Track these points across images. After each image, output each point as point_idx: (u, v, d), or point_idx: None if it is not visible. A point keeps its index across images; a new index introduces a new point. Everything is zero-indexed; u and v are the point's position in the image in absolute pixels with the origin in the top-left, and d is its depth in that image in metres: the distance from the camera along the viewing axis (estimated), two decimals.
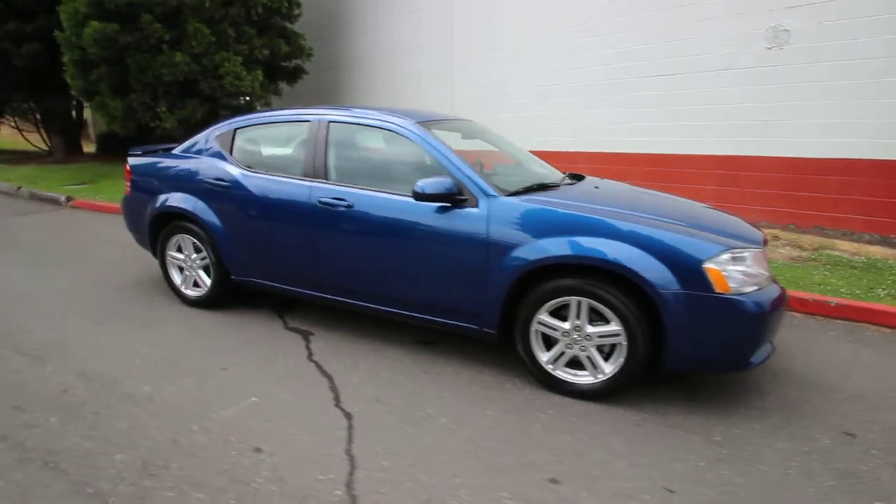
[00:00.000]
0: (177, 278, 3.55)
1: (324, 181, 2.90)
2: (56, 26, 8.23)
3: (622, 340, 2.27)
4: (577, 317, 2.34)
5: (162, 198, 3.43)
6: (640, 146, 6.37)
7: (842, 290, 3.73)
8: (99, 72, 7.86)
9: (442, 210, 2.55)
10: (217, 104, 8.23)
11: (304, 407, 2.34)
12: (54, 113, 11.03)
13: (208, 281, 3.40)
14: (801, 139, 5.27)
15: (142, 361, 2.74)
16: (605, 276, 2.28)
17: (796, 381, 2.64)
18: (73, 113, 11.91)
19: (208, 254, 3.32)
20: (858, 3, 4.80)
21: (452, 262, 2.55)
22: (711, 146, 5.86)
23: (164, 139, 7.73)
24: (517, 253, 2.38)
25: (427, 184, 2.46)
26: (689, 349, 2.23)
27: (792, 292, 3.42)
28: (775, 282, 2.42)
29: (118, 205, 6.61)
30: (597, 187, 2.98)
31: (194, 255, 3.42)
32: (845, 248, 4.78)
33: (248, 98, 8.32)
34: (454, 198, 2.50)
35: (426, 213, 2.58)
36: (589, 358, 2.38)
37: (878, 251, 4.69)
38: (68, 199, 7.28)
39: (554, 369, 2.45)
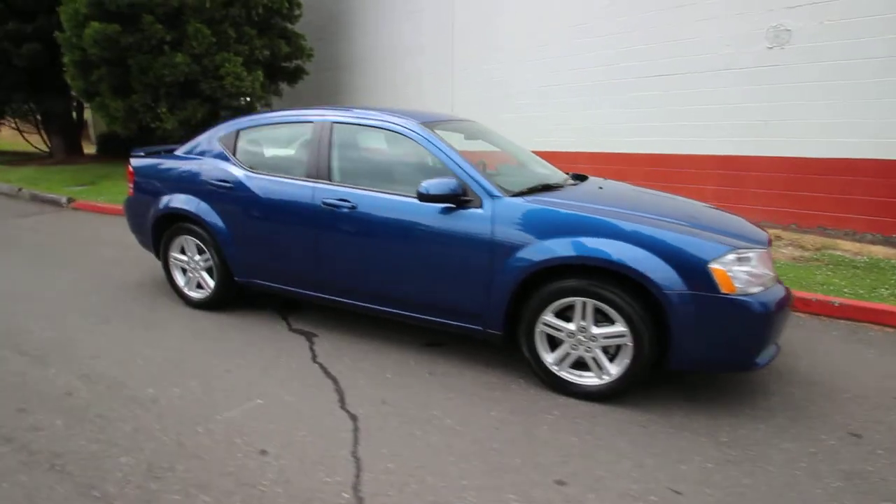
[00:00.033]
0: (180, 280, 3.54)
1: (327, 182, 2.90)
2: (56, 27, 8.22)
3: (627, 341, 2.27)
4: (583, 318, 2.34)
5: (165, 199, 3.42)
6: (640, 146, 6.38)
7: (845, 290, 3.73)
8: (99, 72, 7.85)
9: (446, 211, 2.55)
10: (217, 105, 8.23)
11: (309, 409, 2.33)
12: (55, 114, 11.03)
13: (211, 282, 3.40)
14: (803, 139, 5.28)
15: (145, 363, 2.74)
16: (611, 277, 2.28)
17: (801, 382, 2.64)
18: (74, 114, 11.91)
19: (211, 255, 3.32)
20: (860, 3, 4.81)
21: (457, 263, 2.55)
22: (712, 146, 5.86)
23: (164, 140, 7.73)
24: (522, 254, 2.38)
25: (431, 185, 2.46)
26: (695, 350, 2.23)
27: (795, 292, 3.41)
28: (780, 282, 2.42)
29: (119, 206, 6.59)
30: (600, 188, 2.98)
31: (197, 257, 3.42)
32: (847, 247, 4.78)
33: (248, 99, 8.32)
34: (459, 198, 2.49)
35: (430, 214, 2.58)
36: (594, 359, 2.38)
37: (880, 251, 4.69)
38: (69, 200, 7.27)
39: (559, 370, 2.45)
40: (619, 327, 2.27)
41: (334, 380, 2.59)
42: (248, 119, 3.37)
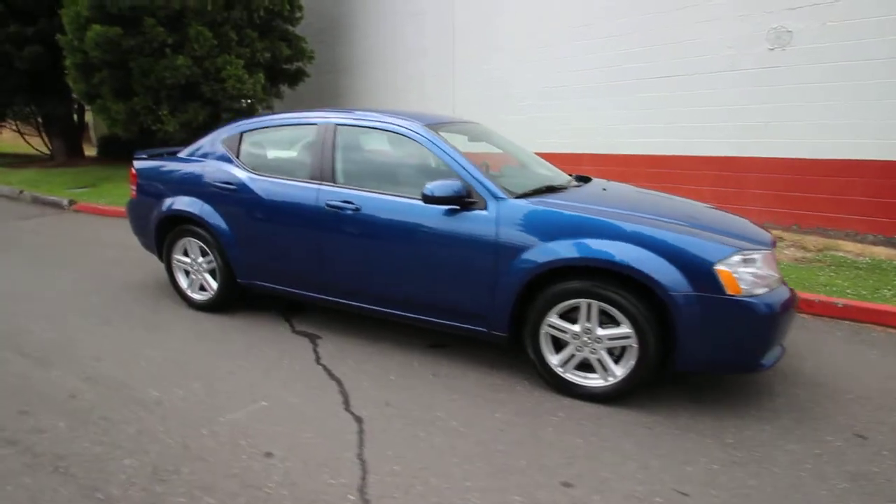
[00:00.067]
0: (183, 282, 3.54)
1: (332, 184, 2.90)
2: (58, 29, 8.23)
3: (633, 343, 2.27)
4: (588, 319, 2.34)
5: (168, 201, 3.42)
6: (641, 147, 6.38)
7: (847, 291, 3.72)
8: (101, 75, 7.86)
9: (451, 213, 2.55)
10: (218, 107, 8.22)
11: (313, 411, 2.33)
12: (55, 116, 11.03)
13: (215, 284, 3.39)
14: (804, 140, 5.28)
15: (148, 365, 2.74)
16: (616, 279, 2.28)
17: (806, 383, 2.64)
18: (75, 116, 11.92)
19: (215, 257, 3.32)
20: (861, 5, 4.81)
21: (462, 265, 2.55)
22: (713, 147, 5.86)
23: (165, 142, 7.73)
24: (527, 255, 2.38)
25: (436, 186, 2.46)
26: (700, 351, 2.23)
27: (798, 293, 3.41)
28: (784, 283, 2.42)
29: (121, 208, 6.59)
30: (605, 189, 2.98)
31: (200, 259, 3.42)
32: (849, 248, 4.78)
33: (250, 101, 8.32)
34: (463, 200, 2.49)
35: (435, 216, 2.58)
36: (599, 360, 2.37)
37: (882, 252, 4.69)
38: (71, 202, 7.27)
39: (564, 372, 2.45)
40: (625, 329, 2.27)
41: (338, 381, 2.59)
42: (252, 121, 3.37)
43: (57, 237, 5.70)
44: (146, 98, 7.84)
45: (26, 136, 12.59)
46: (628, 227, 2.29)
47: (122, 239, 5.13)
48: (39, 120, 11.64)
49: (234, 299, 3.43)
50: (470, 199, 2.51)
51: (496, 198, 2.51)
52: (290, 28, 9.09)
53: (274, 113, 3.39)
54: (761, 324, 2.18)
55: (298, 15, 8.95)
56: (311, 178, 2.96)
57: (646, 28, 6.12)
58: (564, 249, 2.31)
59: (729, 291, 2.13)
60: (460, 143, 2.90)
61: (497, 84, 7.60)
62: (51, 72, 9.53)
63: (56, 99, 10.39)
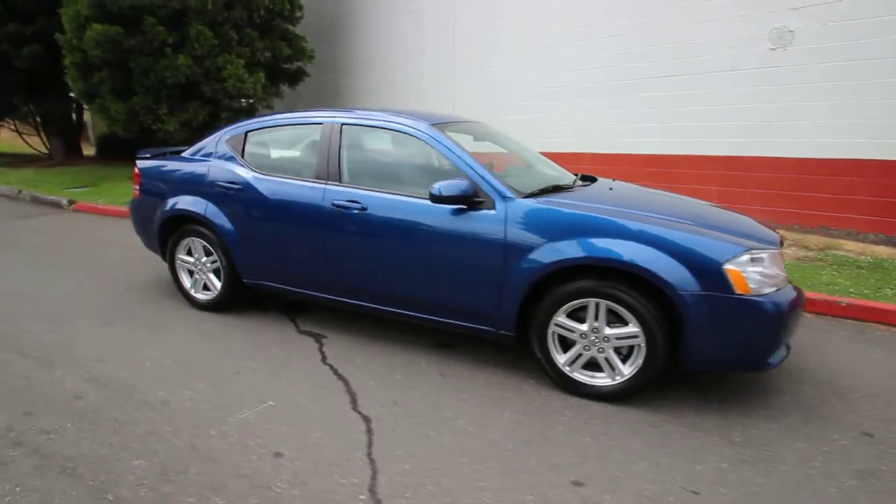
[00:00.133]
0: (186, 282, 3.53)
1: (337, 183, 2.89)
2: (57, 28, 8.20)
3: (641, 342, 2.27)
4: (596, 318, 2.34)
5: (171, 201, 3.41)
6: (643, 147, 6.39)
7: (850, 290, 3.74)
8: (100, 75, 7.83)
9: (458, 212, 2.54)
10: (218, 107, 8.21)
11: (321, 410, 2.32)
12: (54, 116, 11.00)
13: (219, 284, 3.39)
14: (806, 140, 5.29)
15: (153, 365, 2.73)
16: (624, 278, 2.28)
17: (812, 381, 2.64)
18: (73, 116, 11.88)
19: (219, 257, 3.31)
20: (863, 4, 4.83)
21: (469, 265, 2.54)
22: (715, 147, 5.87)
23: (165, 142, 7.71)
24: (535, 255, 2.38)
25: (444, 186, 2.46)
26: (709, 350, 2.23)
27: None
28: (790, 283, 2.42)
29: (121, 208, 6.59)
30: (611, 188, 2.98)
31: (205, 259, 3.41)
32: (851, 247, 4.79)
33: (250, 101, 8.31)
34: (471, 200, 2.49)
35: (442, 216, 2.57)
36: (607, 360, 2.37)
37: (883, 251, 4.71)
38: (70, 202, 7.25)
39: (571, 371, 2.45)
40: (633, 328, 2.27)
41: (345, 381, 2.59)
42: (256, 121, 3.36)
43: (57, 237, 5.68)
44: (146, 97, 7.82)
45: (24, 136, 12.55)
46: (636, 226, 2.29)
47: (123, 239, 5.12)
48: (38, 119, 11.60)
49: (237, 299, 3.42)
50: (477, 199, 2.51)
51: (504, 197, 2.50)
52: (291, 27, 9.09)
53: (278, 112, 3.37)
54: (770, 323, 2.18)
55: (298, 14, 8.95)
56: (317, 178, 2.96)
57: (647, 28, 6.13)
58: (573, 249, 2.31)
59: (738, 291, 2.13)
60: (466, 142, 2.90)
61: (498, 86, 7.60)
62: (49, 71, 9.51)
63: (54, 98, 10.36)
